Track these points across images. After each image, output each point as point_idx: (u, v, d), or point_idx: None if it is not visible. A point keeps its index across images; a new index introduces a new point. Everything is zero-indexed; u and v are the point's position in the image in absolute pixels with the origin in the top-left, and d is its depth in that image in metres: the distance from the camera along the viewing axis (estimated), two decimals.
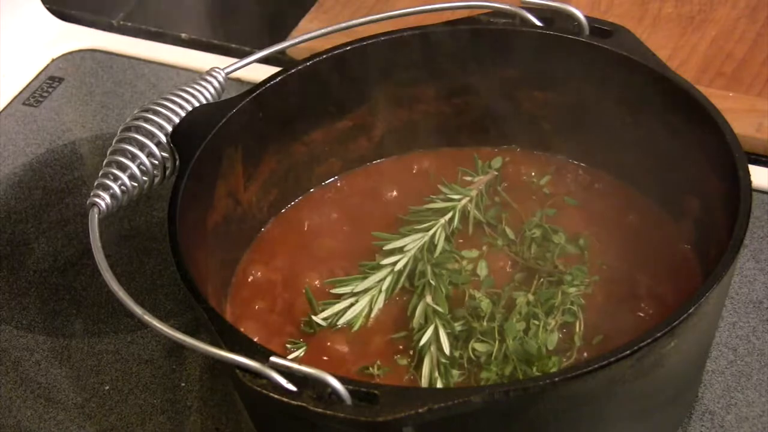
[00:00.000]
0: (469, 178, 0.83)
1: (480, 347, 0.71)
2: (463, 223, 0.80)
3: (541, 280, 0.75)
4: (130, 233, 0.93)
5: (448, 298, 0.74)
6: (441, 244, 0.78)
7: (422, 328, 0.72)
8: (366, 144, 0.86)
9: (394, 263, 0.77)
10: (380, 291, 0.76)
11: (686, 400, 0.75)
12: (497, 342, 0.70)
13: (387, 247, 0.78)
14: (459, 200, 0.81)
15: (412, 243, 0.78)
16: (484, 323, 0.71)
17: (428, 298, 0.74)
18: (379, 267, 0.77)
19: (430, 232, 0.78)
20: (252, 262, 0.81)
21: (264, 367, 0.57)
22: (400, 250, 0.77)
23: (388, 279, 0.76)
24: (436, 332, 0.72)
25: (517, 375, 0.68)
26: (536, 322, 0.71)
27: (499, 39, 0.80)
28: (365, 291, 0.76)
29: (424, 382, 0.69)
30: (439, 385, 0.69)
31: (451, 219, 0.79)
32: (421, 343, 0.71)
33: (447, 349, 0.71)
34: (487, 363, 0.70)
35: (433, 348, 0.71)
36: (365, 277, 0.76)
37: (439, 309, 0.73)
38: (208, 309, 0.63)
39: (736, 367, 0.78)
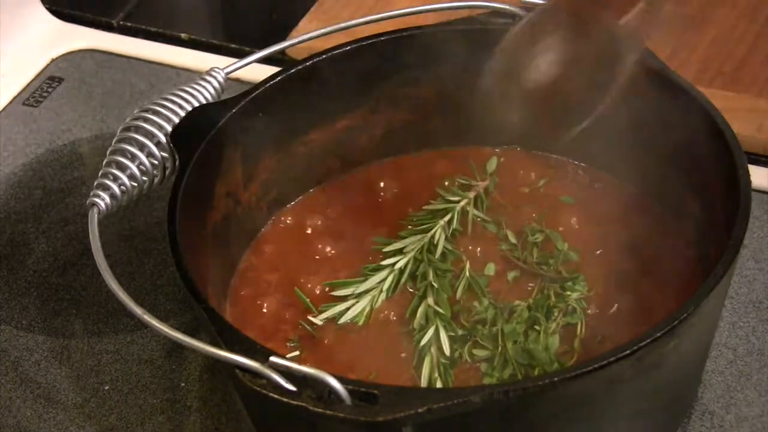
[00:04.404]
0: (466, 182, 0.83)
1: (479, 352, 0.71)
2: (462, 225, 0.80)
3: (543, 284, 0.75)
4: (130, 233, 0.93)
5: (450, 300, 0.74)
6: (441, 244, 0.78)
7: (423, 329, 0.72)
8: (366, 144, 0.86)
9: (395, 263, 0.77)
10: (381, 291, 0.76)
11: (686, 400, 0.75)
12: (500, 347, 0.70)
13: (387, 249, 0.78)
14: (458, 202, 0.81)
15: (412, 244, 0.78)
16: (486, 329, 0.71)
17: (430, 300, 0.74)
18: (380, 268, 0.77)
19: (430, 234, 0.78)
20: (252, 262, 0.81)
21: (263, 367, 0.57)
22: (400, 251, 0.77)
23: (389, 279, 0.76)
24: (437, 333, 0.72)
25: (517, 378, 0.69)
26: (537, 327, 0.71)
27: (498, 39, 0.80)
28: (366, 292, 0.76)
29: (423, 383, 0.69)
30: (438, 385, 0.69)
31: (450, 220, 0.79)
32: (422, 343, 0.71)
33: (447, 351, 0.71)
34: (490, 368, 0.70)
35: (433, 349, 0.71)
36: (366, 279, 0.76)
37: (441, 311, 0.73)
38: (208, 309, 0.63)
39: (736, 367, 0.78)
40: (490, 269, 0.77)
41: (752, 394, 0.76)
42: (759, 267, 0.85)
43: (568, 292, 0.73)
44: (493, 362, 0.70)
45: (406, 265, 0.76)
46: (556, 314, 0.72)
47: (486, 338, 0.71)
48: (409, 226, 0.80)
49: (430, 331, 0.72)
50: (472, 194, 0.81)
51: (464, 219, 0.80)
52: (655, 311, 0.72)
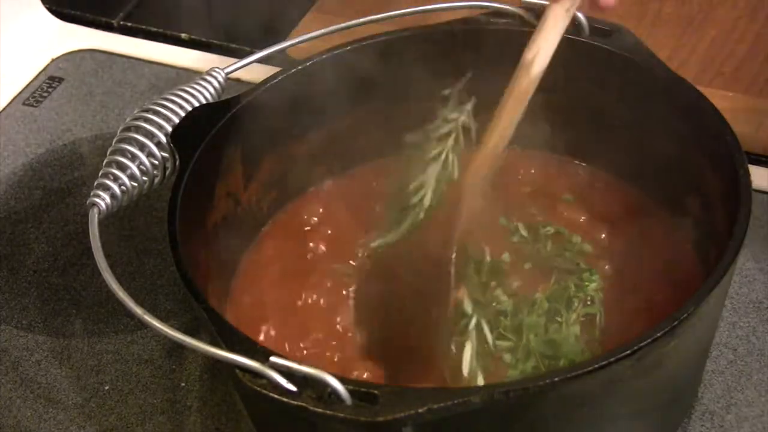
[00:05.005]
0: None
1: (501, 343, 0.70)
2: (467, 144, 0.80)
3: (560, 275, 0.75)
4: (130, 233, 0.93)
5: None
6: (456, 167, 0.78)
7: (465, 317, 0.72)
8: (366, 144, 0.86)
9: (422, 198, 0.78)
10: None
11: (686, 400, 0.75)
12: (523, 338, 0.70)
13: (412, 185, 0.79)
14: (457, 118, 0.80)
15: (430, 171, 0.79)
16: (507, 320, 0.71)
17: (464, 290, 0.73)
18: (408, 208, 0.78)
19: (441, 158, 0.79)
20: (252, 261, 0.81)
21: (264, 367, 0.57)
22: (421, 185, 0.78)
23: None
24: (478, 323, 0.71)
25: (540, 369, 0.69)
26: (559, 319, 0.71)
27: (499, 39, 0.80)
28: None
29: (465, 371, 0.69)
30: (479, 374, 0.69)
31: (457, 139, 0.79)
32: (470, 327, 0.71)
33: (491, 339, 0.70)
34: (513, 359, 0.70)
35: (473, 337, 0.70)
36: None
37: (477, 299, 0.72)
38: (208, 309, 0.63)
39: (736, 367, 0.78)
40: (506, 258, 0.77)
41: (752, 394, 0.76)
42: (759, 267, 0.85)
43: (587, 283, 0.74)
44: (517, 353, 0.70)
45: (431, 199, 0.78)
46: (576, 305, 0.72)
47: (508, 330, 0.71)
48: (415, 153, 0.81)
49: (473, 321, 0.71)
50: (469, 106, 0.81)
51: (468, 136, 0.80)
52: (655, 311, 0.72)
